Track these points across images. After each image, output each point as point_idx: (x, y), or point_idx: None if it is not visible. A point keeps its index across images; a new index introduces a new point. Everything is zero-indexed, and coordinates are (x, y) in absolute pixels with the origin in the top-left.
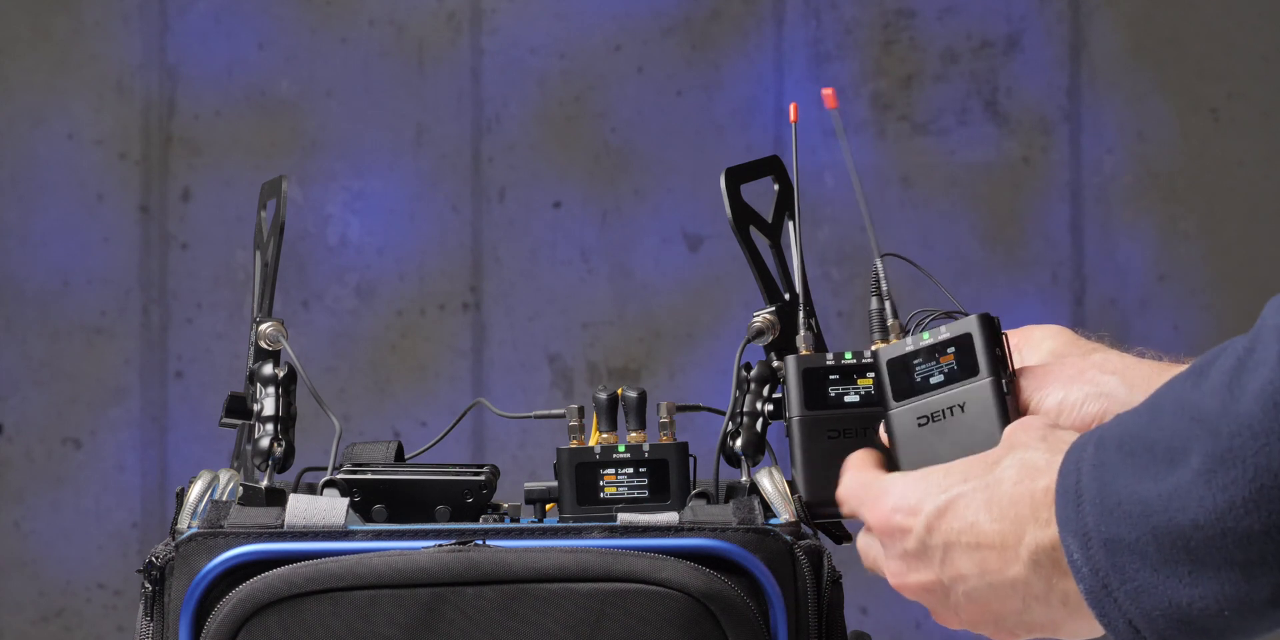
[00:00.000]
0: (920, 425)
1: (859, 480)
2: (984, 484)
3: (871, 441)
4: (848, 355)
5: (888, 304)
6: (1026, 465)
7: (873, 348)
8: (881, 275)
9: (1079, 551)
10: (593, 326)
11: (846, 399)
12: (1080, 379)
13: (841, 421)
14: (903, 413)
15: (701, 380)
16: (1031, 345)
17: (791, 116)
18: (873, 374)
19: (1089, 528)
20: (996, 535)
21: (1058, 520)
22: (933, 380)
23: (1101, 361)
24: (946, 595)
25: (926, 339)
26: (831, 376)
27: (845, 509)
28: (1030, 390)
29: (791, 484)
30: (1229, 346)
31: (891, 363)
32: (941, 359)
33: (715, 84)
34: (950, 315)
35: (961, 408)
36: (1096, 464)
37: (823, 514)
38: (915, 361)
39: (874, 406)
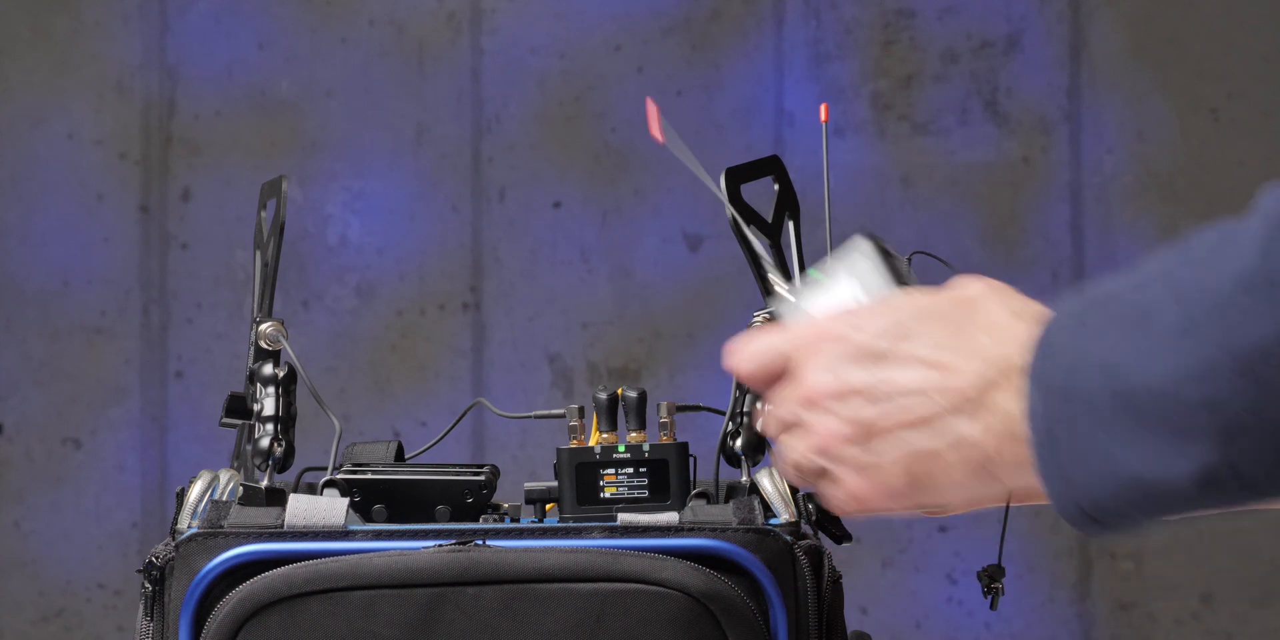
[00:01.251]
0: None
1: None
2: (956, 312)
3: None
4: None
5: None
6: (1008, 304)
7: (772, 306)
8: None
9: (1039, 399)
10: (593, 326)
11: None
12: None
13: None
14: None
15: (701, 380)
16: None
17: (822, 116)
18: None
19: (1054, 378)
20: (955, 358)
21: (1031, 368)
22: None
23: None
24: (866, 406)
25: (816, 275)
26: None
27: (758, 352)
28: None
29: (797, 490)
30: (1219, 226)
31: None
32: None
33: (715, 84)
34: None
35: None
36: (1075, 319)
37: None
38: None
39: None
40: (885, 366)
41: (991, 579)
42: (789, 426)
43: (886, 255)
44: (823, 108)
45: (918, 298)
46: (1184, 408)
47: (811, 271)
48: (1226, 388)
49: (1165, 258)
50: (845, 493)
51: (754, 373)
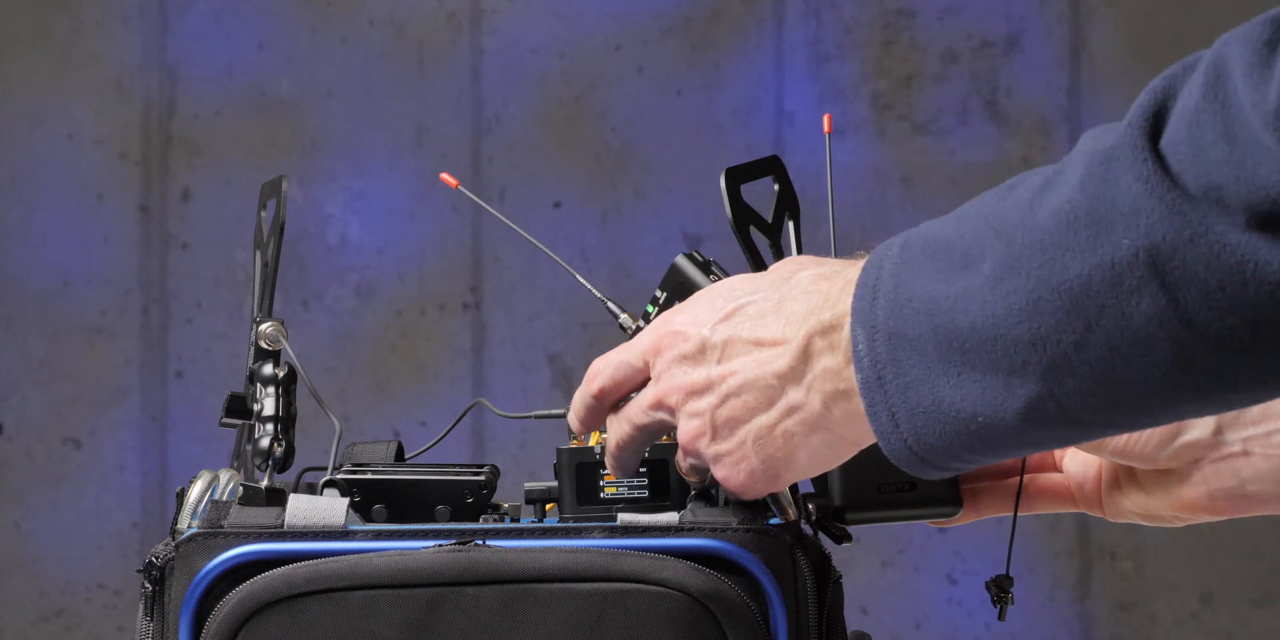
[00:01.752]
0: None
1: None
2: (776, 291)
3: None
4: None
5: None
6: (822, 271)
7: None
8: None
9: (864, 342)
10: (593, 326)
11: None
12: None
13: None
14: None
15: None
16: None
17: (825, 127)
18: None
19: (878, 320)
20: (780, 331)
21: (852, 311)
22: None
23: None
24: (710, 401)
25: (650, 308)
26: None
27: (624, 360)
28: None
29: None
30: (1041, 169)
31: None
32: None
33: (715, 84)
34: None
35: None
36: (898, 262)
37: (854, 519)
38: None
39: None
40: (716, 357)
41: (1000, 589)
42: (649, 430)
43: (705, 268)
44: (826, 119)
45: (733, 279)
46: (1010, 346)
47: (649, 307)
48: (1051, 324)
49: (986, 199)
50: (723, 483)
51: (611, 388)
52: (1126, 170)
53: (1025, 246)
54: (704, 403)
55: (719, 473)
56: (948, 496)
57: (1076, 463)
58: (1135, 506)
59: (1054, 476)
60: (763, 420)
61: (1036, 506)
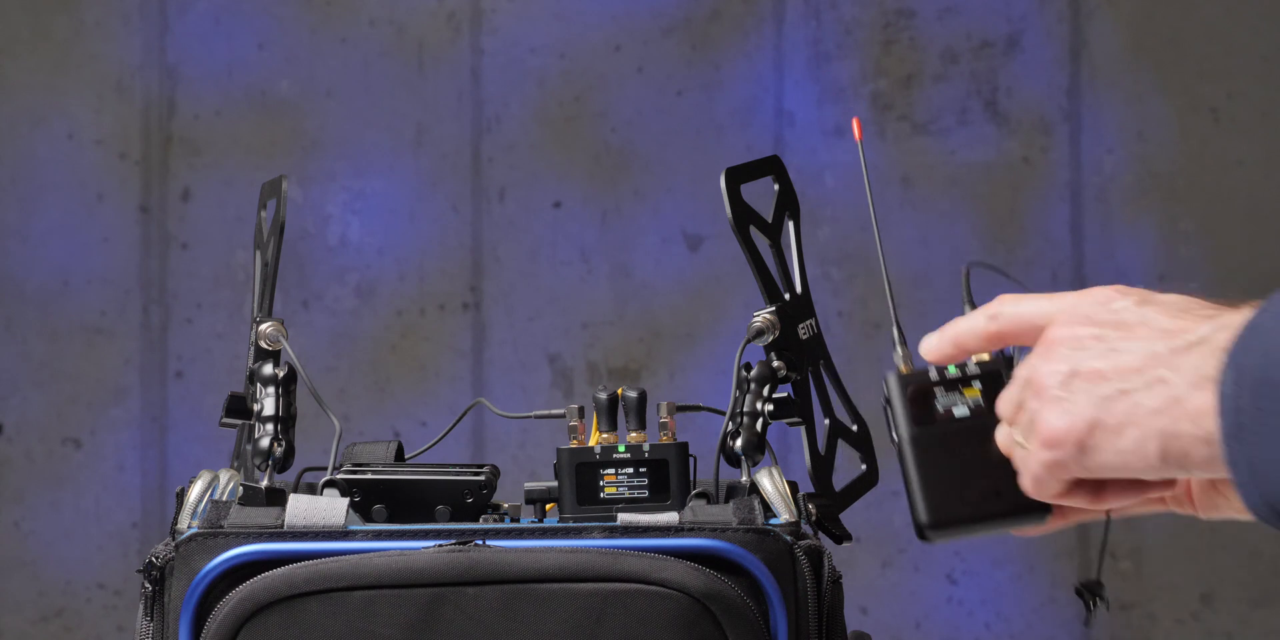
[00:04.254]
0: (944, 453)
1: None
2: (1177, 302)
3: (990, 453)
4: (951, 368)
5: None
6: (1216, 324)
7: (889, 372)
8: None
9: (1231, 386)
10: (593, 326)
11: (956, 412)
12: None
13: (955, 435)
14: (923, 437)
15: (701, 380)
16: None
17: (856, 134)
18: (891, 397)
19: (1249, 365)
20: (1189, 322)
21: (1230, 351)
22: (956, 412)
23: None
24: (1085, 353)
25: (953, 372)
26: (937, 390)
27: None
28: None
29: (797, 489)
30: None
31: (910, 389)
32: (966, 392)
33: (715, 84)
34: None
35: (993, 442)
36: (1277, 311)
37: (941, 536)
38: (937, 391)
39: (985, 418)
40: (1121, 328)
41: (1094, 593)
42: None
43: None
44: (855, 124)
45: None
46: None
47: (950, 368)
48: None
49: None
50: (1033, 436)
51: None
52: None
53: None
54: (1079, 354)
55: (1043, 417)
56: (1036, 503)
57: None
58: (1238, 506)
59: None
60: (1122, 383)
61: (1129, 510)
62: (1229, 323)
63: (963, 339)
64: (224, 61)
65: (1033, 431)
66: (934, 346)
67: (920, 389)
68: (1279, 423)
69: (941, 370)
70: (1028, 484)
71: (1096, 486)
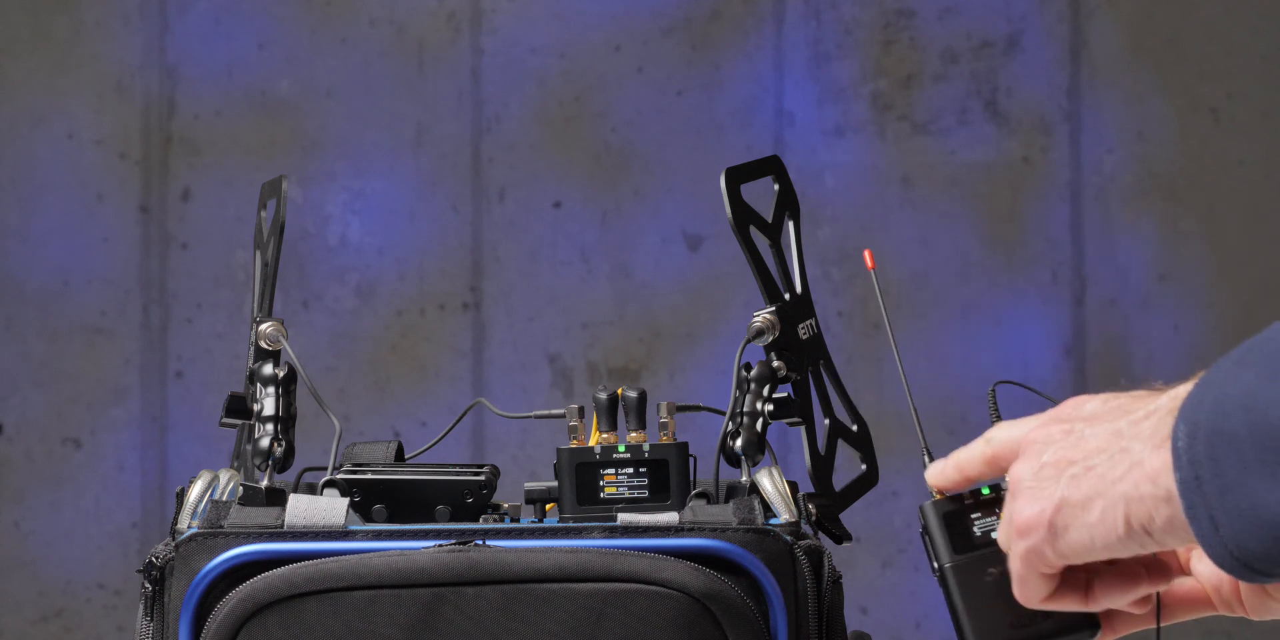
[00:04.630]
0: (988, 578)
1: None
2: (1125, 408)
3: None
4: (985, 490)
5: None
6: (1170, 394)
7: (924, 502)
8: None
9: (1184, 439)
10: (593, 326)
11: (994, 534)
12: None
13: (997, 558)
14: (966, 565)
15: (701, 380)
16: None
17: (869, 264)
18: (929, 525)
19: (1201, 419)
20: (1137, 405)
21: (1181, 407)
22: (994, 534)
23: None
24: (1055, 448)
25: (987, 493)
26: (974, 514)
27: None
28: None
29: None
30: None
31: (947, 516)
32: (1001, 512)
33: (715, 84)
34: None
35: None
36: (1234, 361)
37: None
38: (973, 515)
39: None
40: (1089, 420)
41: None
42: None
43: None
44: (867, 255)
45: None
46: None
47: (984, 489)
48: None
49: None
50: (1010, 531)
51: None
52: None
53: None
54: (1049, 447)
55: (1015, 508)
56: (1084, 620)
57: (1205, 563)
58: None
59: (1186, 582)
60: (1088, 462)
61: (1176, 615)
62: (1184, 389)
63: (964, 465)
64: (224, 61)
65: (1010, 526)
66: (938, 472)
67: (957, 515)
68: (1234, 472)
69: (975, 493)
70: (1016, 588)
71: (1085, 584)
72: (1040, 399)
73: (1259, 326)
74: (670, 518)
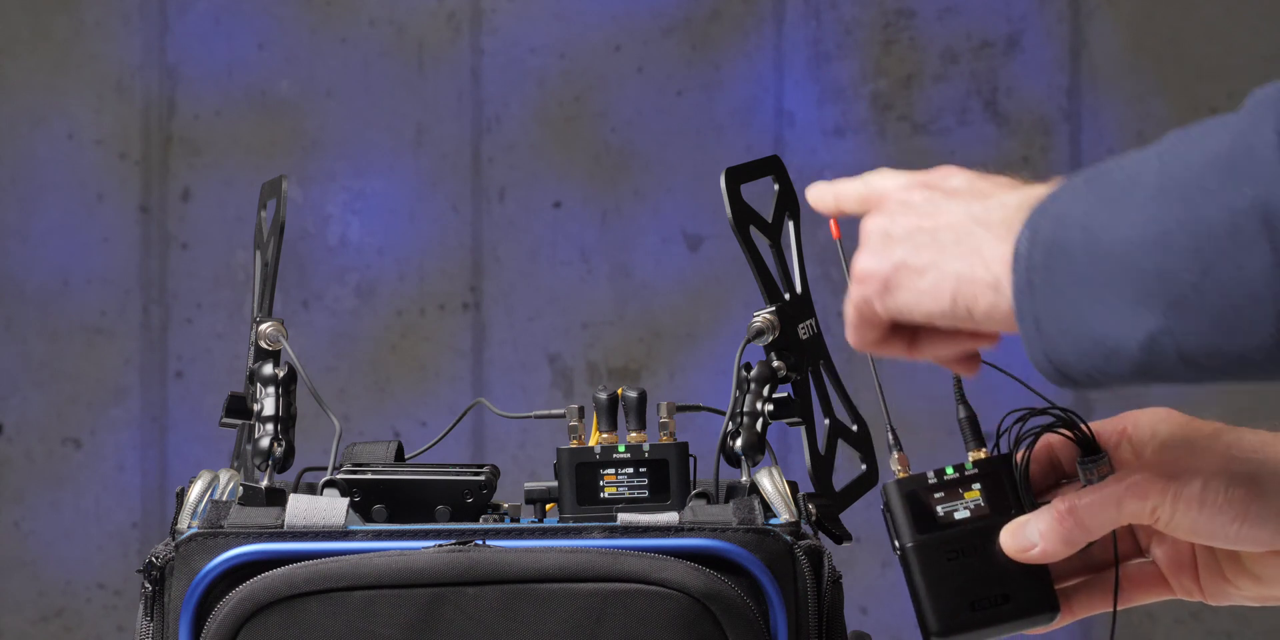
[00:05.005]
0: (949, 559)
1: None
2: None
3: (995, 555)
4: (949, 470)
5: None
6: (1027, 192)
7: (887, 481)
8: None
9: (1025, 244)
10: (593, 326)
11: (957, 516)
12: (1219, 465)
13: (958, 540)
14: (927, 545)
15: (701, 380)
16: (1141, 433)
17: (834, 234)
18: (891, 504)
19: (1043, 228)
20: (996, 193)
21: (1029, 216)
22: (957, 515)
23: (1235, 441)
24: (921, 204)
25: (950, 473)
26: (937, 494)
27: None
28: (1164, 483)
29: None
30: (1227, 113)
31: (910, 496)
32: (966, 494)
33: (715, 84)
34: (1043, 412)
35: (996, 543)
36: (1083, 180)
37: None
38: (936, 496)
39: (988, 519)
40: (949, 194)
41: None
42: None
43: (1024, 477)
44: (832, 224)
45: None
46: (1140, 274)
47: (948, 469)
48: (1176, 261)
49: (1175, 132)
50: (851, 279)
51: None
52: (1271, 121)
53: (1173, 179)
54: (905, 210)
55: (858, 259)
56: (1044, 603)
57: (1165, 547)
58: (1250, 595)
59: (1145, 567)
60: (936, 235)
61: (1134, 598)
62: (1038, 191)
63: (842, 196)
64: (224, 61)
65: (850, 273)
66: (818, 193)
67: (920, 494)
68: (1064, 283)
69: (940, 473)
70: (848, 331)
71: (910, 335)
72: (1016, 383)
73: None
74: (670, 518)
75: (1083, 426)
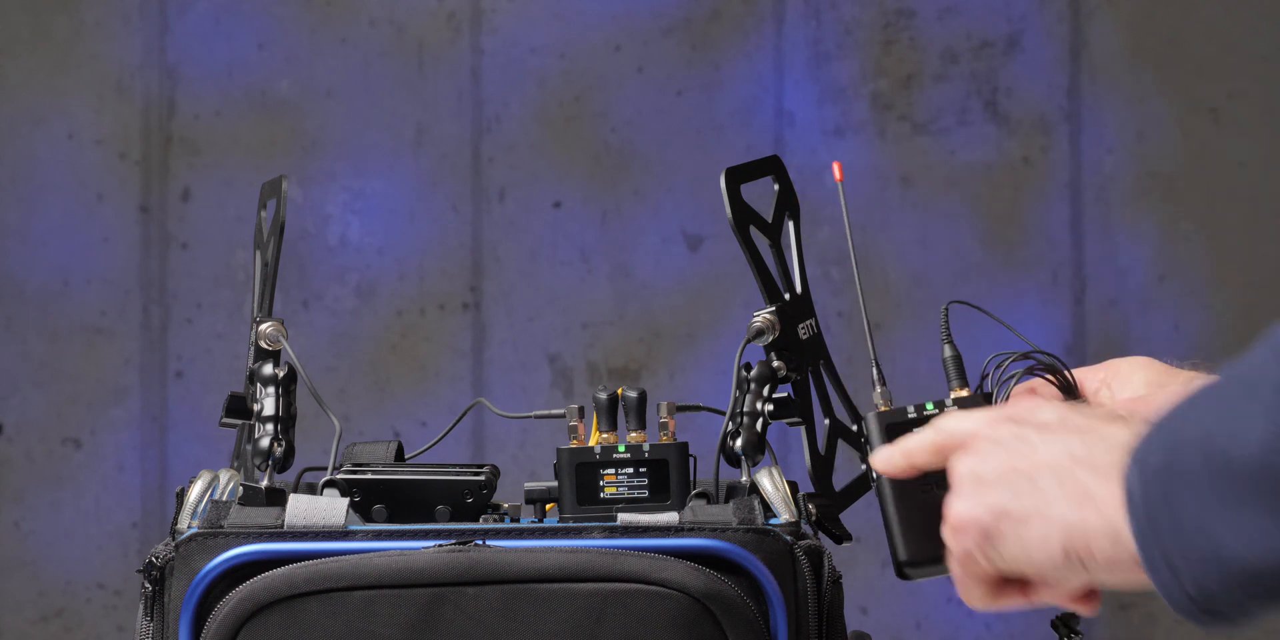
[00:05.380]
0: (923, 492)
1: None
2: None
3: None
4: (929, 405)
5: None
6: (1127, 424)
7: (870, 413)
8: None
9: (1138, 480)
10: (593, 326)
11: None
12: None
13: (933, 474)
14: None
15: (701, 380)
16: (1120, 379)
17: (837, 176)
18: (871, 435)
19: (1156, 457)
20: (1093, 427)
21: (1134, 449)
22: None
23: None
24: (1013, 443)
25: (930, 409)
26: (916, 429)
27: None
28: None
29: (797, 489)
30: None
31: (891, 427)
32: None
33: (715, 84)
34: (1027, 356)
35: None
36: (1190, 398)
37: (920, 574)
38: (916, 430)
39: None
40: (1041, 429)
41: (1069, 628)
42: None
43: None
44: (836, 167)
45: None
46: (1278, 478)
47: (928, 405)
48: None
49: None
50: (947, 528)
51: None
52: None
53: None
54: (998, 449)
55: (952, 507)
56: None
57: None
58: None
59: None
60: (1035, 477)
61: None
62: (1140, 423)
63: (912, 452)
64: (224, 61)
65: (946, 523)
66: (885, 459)
67: (899, 428)
68: (1191, 512)
69: (920, 408)
70: (959, 590)
71: (1025, 587)
72: (993, 321)
73: (1259, 326)
74: (670, 518)
75: (1065, 372)
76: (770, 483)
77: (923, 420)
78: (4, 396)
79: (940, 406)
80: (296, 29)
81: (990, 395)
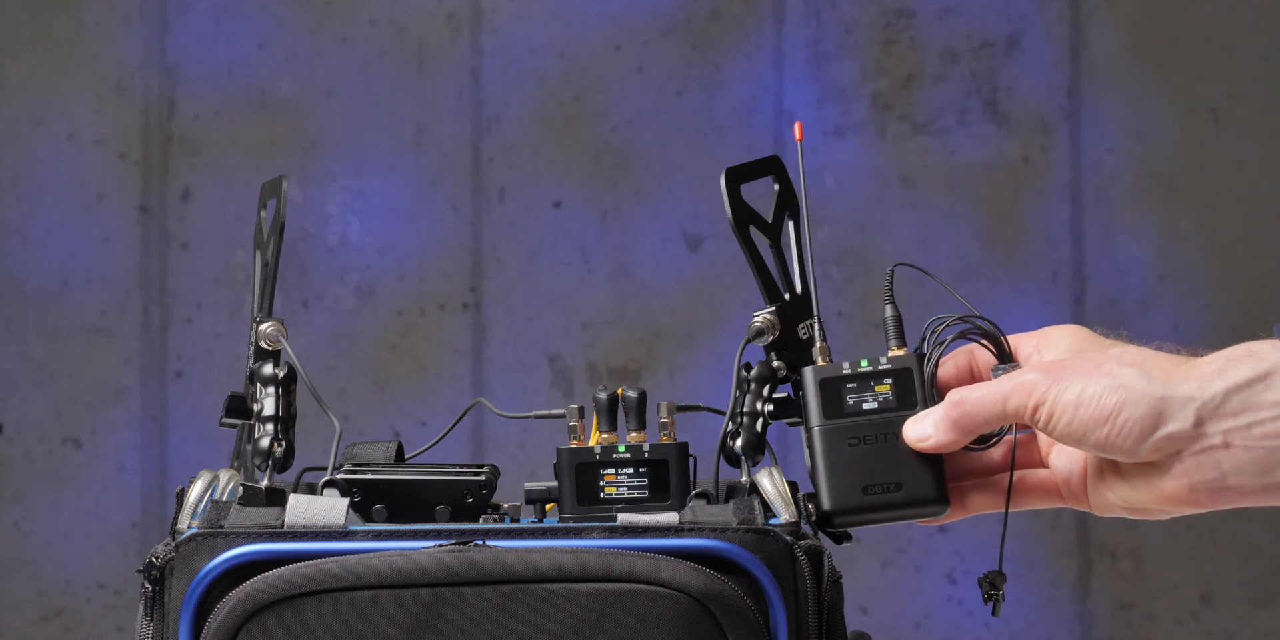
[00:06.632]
0: (851, 445)
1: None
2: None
3: (894, 446)
4: (864, 363)
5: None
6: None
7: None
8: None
9: None
10: (593, 326)
11: (865, 406)
12: (1098, 372)
13: (861, 428)
14: (832, 429)
15: (701, 380)
16: (1050, 344)
17: (797, 135)
18: (806, 388)
19: None
20: None
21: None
22: (865, 405)
23: (1119, 355)
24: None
25: (865, 366)
26: (849, 385)
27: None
28: (1047, 384)
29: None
30: None
31: (824, 382)
32: (877, 387)
33: (715, 84)
34: (965, 320)
35: (897, 435)
36: None
37: (843, 523)
38: (849, 386)
39: (893, 412)
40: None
41: (993, 586)
42: None
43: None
44: (797, 127)
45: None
46: None
47: (863, 362)
48: None
49: None
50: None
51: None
52: None
53: None
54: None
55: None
56: (935, 495)
57: (1063, 458)
58: (1119, 499)
59: (1040, 472)
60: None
61: (1025, 502)
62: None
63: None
64: (224, 61)
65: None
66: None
67: (833, 382)
68: None
69: (855, 364)
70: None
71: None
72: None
73: (1259, 326)
74: (670, 518)
75: (1001, 337)
76: (770, 483)
77: (857, 377)
78: (4, 396)
79: (875, 364)
80: (296, 29)
81: (924, 355)
